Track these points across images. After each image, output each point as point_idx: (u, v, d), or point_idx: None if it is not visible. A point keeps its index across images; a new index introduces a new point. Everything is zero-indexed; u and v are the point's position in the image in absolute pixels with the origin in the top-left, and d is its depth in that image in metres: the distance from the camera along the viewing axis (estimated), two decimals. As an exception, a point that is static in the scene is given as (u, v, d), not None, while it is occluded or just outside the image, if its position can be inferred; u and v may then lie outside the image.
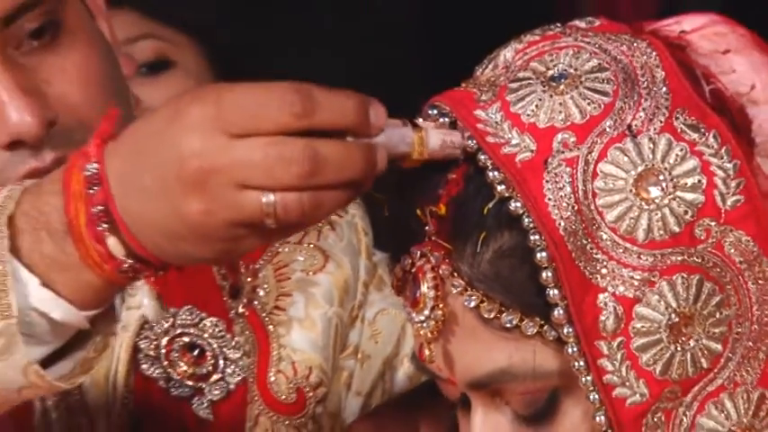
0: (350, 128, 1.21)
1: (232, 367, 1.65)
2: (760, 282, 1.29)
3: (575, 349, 1.27)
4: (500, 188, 1.28)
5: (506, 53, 1.35)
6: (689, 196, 1.27)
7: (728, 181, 1.28)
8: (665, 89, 1.30)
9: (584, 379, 1.27)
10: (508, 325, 1.29)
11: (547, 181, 1.27)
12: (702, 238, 1.27)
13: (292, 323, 1.69)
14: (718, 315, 1.28)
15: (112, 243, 1.25)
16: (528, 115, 1.29)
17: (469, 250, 1.30)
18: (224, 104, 1.20)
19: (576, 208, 1.27)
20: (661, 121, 1.29)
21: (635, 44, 1.33)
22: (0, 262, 1.26)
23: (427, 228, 1.32)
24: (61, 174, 1.28)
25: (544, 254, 1.26)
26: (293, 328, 1.69)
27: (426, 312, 1.31)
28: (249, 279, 1.69)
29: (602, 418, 1.28)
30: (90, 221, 1.25)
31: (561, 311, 1.27)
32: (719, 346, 1.28)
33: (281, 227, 1.21)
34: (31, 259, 1.28)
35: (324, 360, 1.70)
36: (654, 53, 1.32)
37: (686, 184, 1.28)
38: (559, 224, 1.27)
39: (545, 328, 1.28)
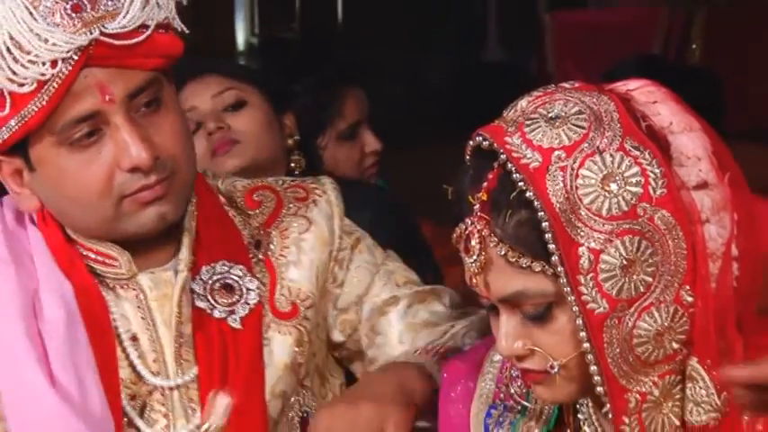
0: None
1: (251, 294, 1.61)
2: (675, 240, 1.28)
3: (564, 280, 1.27)
4: (520, 184, 1.28)
5: (522, 102, 1.35)
6: (633, 189, 1.27)
7: (657, 180, 1.27)
8: (618, 125, 1.29)
9: (569, 298, 1.28)
10: (524, 265, 1.29)
11: (548, 180, 1.27)
12: (641, 214, 1.27)
13: (290, 265, 1.66)
14: (650, 260, 1.27)
15: None
16: (537, 140, 1.29)
17: (501, 221, 1.30)
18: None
19: (566, 196, 1.27)
20: (617, 144, 1.28)
21: (600, 97, 1.32)
22: None
23: (475, 207, 1.32)
24: None
25: (546, 224, 1.26)
26: (290, 268, 1.65)
27: (474, 257, 1.32)
28: (266, 238, 1.66)
29: (580, 321, 1.28)
30: None
31: (556, 257, 1.27)
32: (651, 279, 1.28)
33: None
34: None
35: (310, 285, 1.66)
36: (612, 103, 1.31)
37: (632, 182, 1.27)
38: (556, 206, 1.26)
39: (546, 267, 1.28)
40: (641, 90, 1.35)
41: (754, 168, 1.37)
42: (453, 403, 1.52)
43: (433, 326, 1.69)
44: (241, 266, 1.62)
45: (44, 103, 1.45)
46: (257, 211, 1.68)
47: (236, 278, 1.61)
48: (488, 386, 1.50)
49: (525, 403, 1.46)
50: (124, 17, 1.47)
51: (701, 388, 1.30)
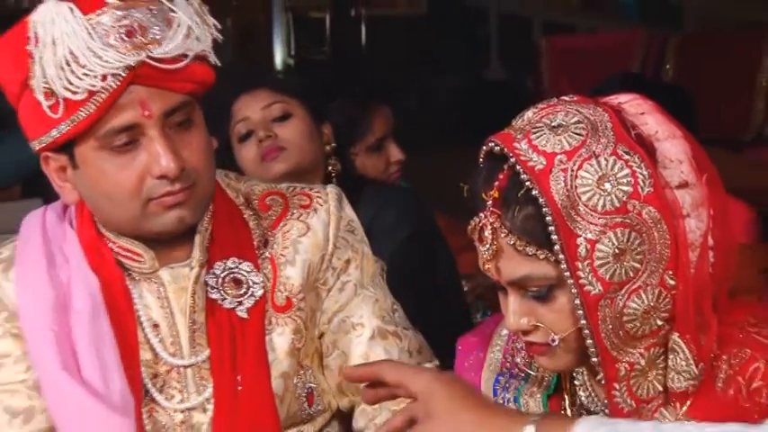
0: None
1: (257, 287, 1.60)
2: (660, 232, 1.27)
3: (564, 266, 1.26)
4: (527, 183, 1.27)
5: (528, 113, 1.33)
6: (624, 188, 1.26)
7: (645, 180, 1.27)
8: (612, 133, 1.28)
9: (569, 281, 1.27)
10: (530, 253, 1.28)
11: (551, 180, 1.26)
12: (631, 210, 1.26)
13: (287, 264, 1.63)
14: (638, 249, 1.27)
15: None
16: (542, 146, 1.28)
17: (510, 215, 1.29)
18: None
19: (566, 194, 1.26)
20: (611, 150, 1.27)
21: (596, 109, 1.31)
22: None
23: (488, 203, 1.31)
24: None
25: (550, 218, 1.26)
26: (287, 266, 1.63)
27: (487, 246, 1.31)
28: (272, 238, 1.64)
29: (578, 301, 1.27)
30: None
31: (558, 246, 1.26)
32: (639, 265, 1.27)
33: None
34: None
35: (301, 280, 1.63)
36: (606, 114, 1.30)
37: (623, 182, 1.26)
38: (558, 202, 1.26)
39: (549, 255, 1.27)
40: (631, 103, 1.34)
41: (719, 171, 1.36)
42: (467, 372, 1.51)
43: None
44: (249, 263, 1.61)
45: (92, 110, 1.47)
46: (268, 213, 1.66)
47: (244, 273, 1.60)
48: (496, 356, 1.50)
49: (529, 371, 1.46)
50: (168, 45, 1.48)
51: (681, 359, 1.30)
